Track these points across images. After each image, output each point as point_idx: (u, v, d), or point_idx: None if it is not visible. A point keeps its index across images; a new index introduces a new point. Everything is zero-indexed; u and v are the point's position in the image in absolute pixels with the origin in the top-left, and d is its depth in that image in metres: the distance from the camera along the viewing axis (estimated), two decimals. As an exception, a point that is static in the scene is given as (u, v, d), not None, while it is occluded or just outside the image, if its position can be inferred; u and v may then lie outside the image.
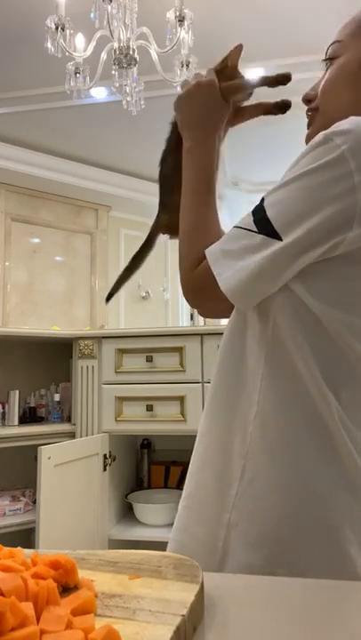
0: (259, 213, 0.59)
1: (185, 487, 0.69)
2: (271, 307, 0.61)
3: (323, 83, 0.71)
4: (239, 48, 0.78)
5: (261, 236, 0.58)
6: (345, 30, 0.72)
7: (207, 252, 0.63)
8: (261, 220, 0.58)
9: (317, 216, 0.55)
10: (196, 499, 0.66)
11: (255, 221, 0.59)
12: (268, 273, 0.58)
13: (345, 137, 0.55)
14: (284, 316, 0.60)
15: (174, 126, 0.79)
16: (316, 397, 0.59)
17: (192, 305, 0.73)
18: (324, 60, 0.72)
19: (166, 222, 0.76)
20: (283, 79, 0.76)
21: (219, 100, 0.75)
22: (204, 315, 0.79)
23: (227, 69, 0.78)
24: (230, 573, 0.67)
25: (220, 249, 0.62)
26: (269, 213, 0.58)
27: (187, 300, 0.71)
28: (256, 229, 0.58)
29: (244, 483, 0.61)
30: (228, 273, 0.60)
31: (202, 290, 0.67)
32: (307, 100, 0.73)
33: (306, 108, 0.73)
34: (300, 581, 0.50)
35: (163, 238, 0.85)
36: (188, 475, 0.70)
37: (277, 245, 0.57)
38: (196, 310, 0.88)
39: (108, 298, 0.97)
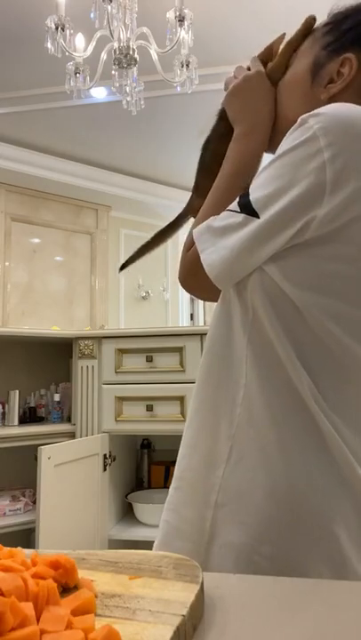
0: (244, 197, 0.61)
1: (175, 470, 0.70)
2: (248, 290, 0.63)
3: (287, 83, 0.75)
4: (282, 36, 0.78)
5: (243, 215, 0.60)
6: (297, 35, 0.76)
7: (195, 230, 0.66)
8: (244, 202, 0.61)
9: (290, 193, 0.57)
10: (184, 481, 0.68)
11: (239, 203, 0.61)
12: (246, 250, 0.60)
13: (318, 117, 0.57)
14: (261, 299, 0.62)
15: (221, 116, 0.80)
16: (296, 381, 0.60)
17: (185, 287, 0.75)
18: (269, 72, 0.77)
19: (198, 207, 0.76)
20: (310, 23, 0.76)
21: (268, 89, 0.75)
22: (200, 297, 0.80)
23: (272, 56, 0.77)
24: (230, 573, 0.67)
25: (207, 226, 0.65)
26: (251, 196, 0.60)
27: (181, 285, 0.74)
28: (239, 210, 0.61)
29: (231, 464, 0.62)
30: (210, 249, 0.63)
31: (190, 270, 0.70)
32: None
33: None
34: (300, 581, 0.50)
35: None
36: (178, 457, 0.71)
37: (255, 223, 0.59)
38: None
39: (122, 268, 0.99)
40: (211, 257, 0.62)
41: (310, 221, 0.57)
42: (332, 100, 0.67)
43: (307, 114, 0.58)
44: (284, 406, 0.61)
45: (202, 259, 0.63)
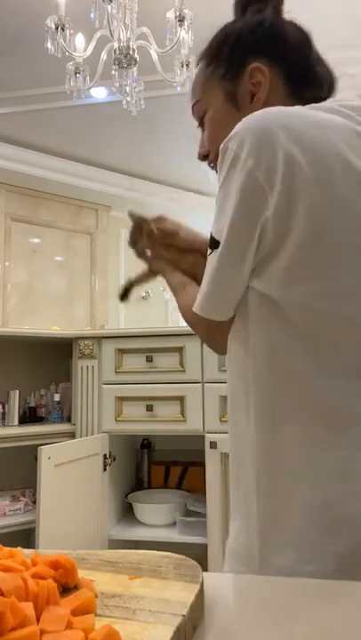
0: (211, 238, 0.65)
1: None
2: (250, 316, 0.65)
3: (206, 138, 0.79)
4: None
5: (212, 251, 0.65)
6: (196, 90, 0.79)
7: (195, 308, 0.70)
8: (211, 241, 0.65)
9: (236, 209, 0.60)
10: (235, 511, 0.71)
11: (209, 245, 0.66)
12: (223, 278, 0.64)
13: (233, 139, 0.61)
14: (251, 309, 0.65)
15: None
16: (311, 393, 0.61)
17: (214, 349, 0.80)
18: (198, 125, 0.81)
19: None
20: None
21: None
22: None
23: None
24: (230, 573, 0.67)
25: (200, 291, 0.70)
26: (212, 231, 0.65)
27: (213, 350, 0.81)
28: (210, 250, 0.65)
29: (261, 494, 0.64)
30: (198, 298, 0.68)
31: (205, 332, 0.76)
32: (202, 157, 0.82)
33: (206, 163, 0.83)
34: (300, 581, 0.50)
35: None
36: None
37: (220, 248, 0.63)
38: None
39: (122, 298, 1.02)
40: (199, 301, 0.68)
41: (265, 225, 0.59)
42: (265, 107, 0.66)
43: (224, 140, 0.62)
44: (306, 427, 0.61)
45: (195, 308, 0.69)
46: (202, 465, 1.85)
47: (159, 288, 5.39)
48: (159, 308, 5.30)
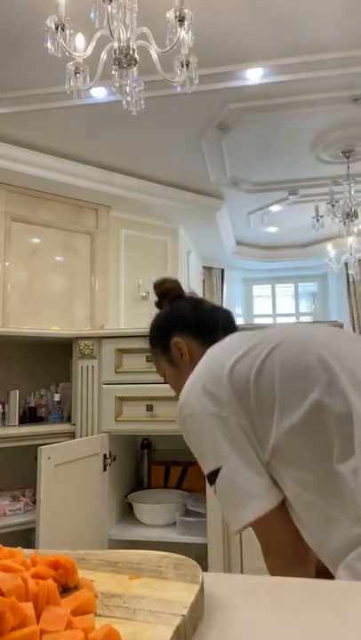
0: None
1: None
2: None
3: (172, 387, 1.14)
4: None
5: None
6: (154, 360, 1.20)
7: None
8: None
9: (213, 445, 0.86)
10: None
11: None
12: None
13: (182, 410, 0.90)
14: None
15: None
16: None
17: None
18: (165, 381, 1.17)
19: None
20: None
21: None
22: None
23: None
24: (230, 574, 0.66)
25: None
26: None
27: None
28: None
29: None
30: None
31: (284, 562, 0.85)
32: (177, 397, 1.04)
33: None
34: (300, 581, 0.50)
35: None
36: None
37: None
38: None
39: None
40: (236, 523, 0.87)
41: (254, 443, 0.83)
42: (192, 358, 1.05)
43: (178, 411, 0.91)
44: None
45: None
46: (202, 465, 1.84)
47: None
48: (159, 308, 5.29)
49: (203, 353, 0.98)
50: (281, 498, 0.81)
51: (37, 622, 0.36)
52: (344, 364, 0.83)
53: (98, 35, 2.15)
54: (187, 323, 1.11)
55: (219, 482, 0.83)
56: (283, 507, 0.81)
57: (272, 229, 6.67)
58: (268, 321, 8.10)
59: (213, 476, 0.84)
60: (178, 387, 1.03)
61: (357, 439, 0.75)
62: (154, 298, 1.21)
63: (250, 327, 1.16)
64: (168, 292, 1.18)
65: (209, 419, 0.85)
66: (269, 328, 0.98)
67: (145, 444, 2.33)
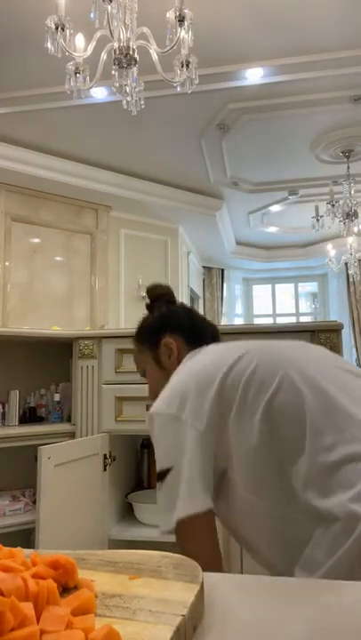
0: None
1: None
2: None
3: (150, 386, 1.19)
4: None
5: None
6: (138, 357, 1.21)
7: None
8: None
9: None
10: None
11: None
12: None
13: (152, 408, 0.95)
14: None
15: None
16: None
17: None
18: (142, 376, 1.22)
19: None
20: None
21: None
22: None
23: None
24: (230, 574, 0.67)
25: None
26: None
27: None
28: None
29: None
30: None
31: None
32: (153, 399, 1.06)
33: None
34: (299, 581, 0.50)
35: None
36: None
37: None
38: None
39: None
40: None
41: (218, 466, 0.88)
42: (180, 360, 1.09)
43: (149, 414, 0.95)
44: None
45: None
46: (202, 465, 1.84)
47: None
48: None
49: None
50: (212, 507, 0.85)
51: (37, 622, 0.36)
52: (311, 377, 0.89)
53: (98, 35, 2.15)
54: (181, 325, 1.15)
55: (165, 481, 0.87)
56: (212, 516, 0.85)
57: (272, 229, 6.67)
58: (269, 321, 8.10)
59: (163, 475, 0.88)
60: (156, 385, 1.09)
61: (309, 432, 0.81)
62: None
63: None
64: (161, 296, 1.23)
65: (170, 420, 0.89)
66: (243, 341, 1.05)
67: (145, 444, 2.33)
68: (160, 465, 0.89)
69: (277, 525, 0.84)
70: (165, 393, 0.95)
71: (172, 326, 1.15)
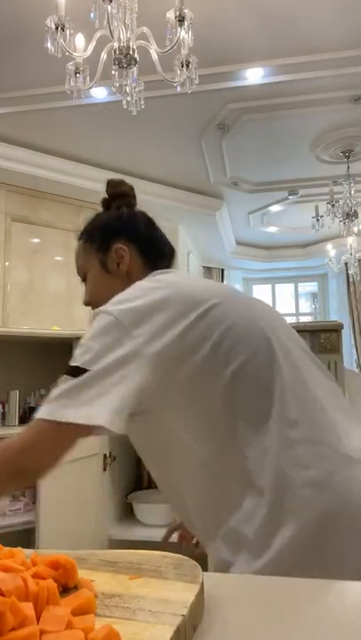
0: None
1: None
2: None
3: (88, 291, 1.06)
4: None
5: None
6: (79, 258, 1.05)
7: None
8: None
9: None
10: None
11: None
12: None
13: (101, 308, 0.87)
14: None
15: None
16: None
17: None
18: (82, 281, 1.07)
19: None
20: None
21: None
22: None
23: None
24: (230, 574, 0.67)
25: None
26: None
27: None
28: None
29: None
30: None
31: None
32: (86, 304, 1.08)
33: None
34: (299, 581, 0.50)
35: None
36: None
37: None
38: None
39: None
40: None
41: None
42: (129, 272, 0.98)
43: (98, 310, 0.88)
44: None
45: None
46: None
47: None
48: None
49: (142, 272, 0.95)
50: (95, 430, 0.77)
51: (37, 622, 0.36)
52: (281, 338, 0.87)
53: (98, 35, 2.15)
54: (139, 235, 1.01)
55: (80, 379, 0.81)
56: (86, 434, 0.79)
57: (272, 229, 6.67)
58: (268, 321, 8.08)
59: (76, 371, 0.82)
60: (96, 291, 1.02)
61: (278, 401, 0.79)
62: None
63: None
64: (122, 195, 1.06)
65: (120, 327, 0.80)
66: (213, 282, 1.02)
67: (145, 444, 2.33)
68: (81, 360, 0.82)
69: (209, 479, 0.81)
70: (123, 301, 0.84)
71: (129, 233, 1.00)
